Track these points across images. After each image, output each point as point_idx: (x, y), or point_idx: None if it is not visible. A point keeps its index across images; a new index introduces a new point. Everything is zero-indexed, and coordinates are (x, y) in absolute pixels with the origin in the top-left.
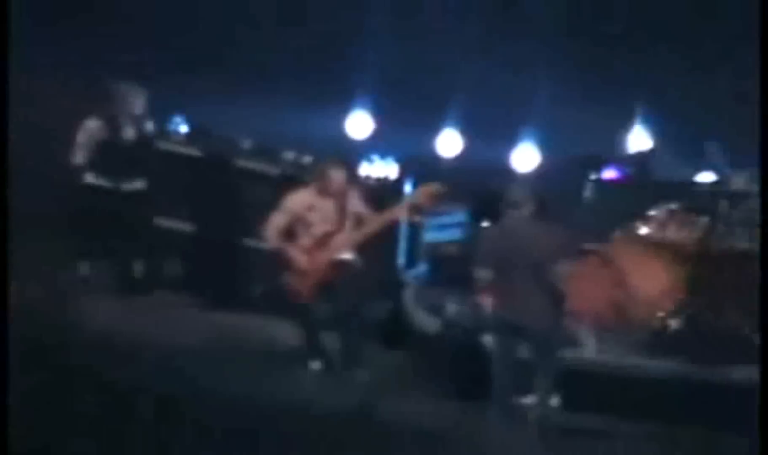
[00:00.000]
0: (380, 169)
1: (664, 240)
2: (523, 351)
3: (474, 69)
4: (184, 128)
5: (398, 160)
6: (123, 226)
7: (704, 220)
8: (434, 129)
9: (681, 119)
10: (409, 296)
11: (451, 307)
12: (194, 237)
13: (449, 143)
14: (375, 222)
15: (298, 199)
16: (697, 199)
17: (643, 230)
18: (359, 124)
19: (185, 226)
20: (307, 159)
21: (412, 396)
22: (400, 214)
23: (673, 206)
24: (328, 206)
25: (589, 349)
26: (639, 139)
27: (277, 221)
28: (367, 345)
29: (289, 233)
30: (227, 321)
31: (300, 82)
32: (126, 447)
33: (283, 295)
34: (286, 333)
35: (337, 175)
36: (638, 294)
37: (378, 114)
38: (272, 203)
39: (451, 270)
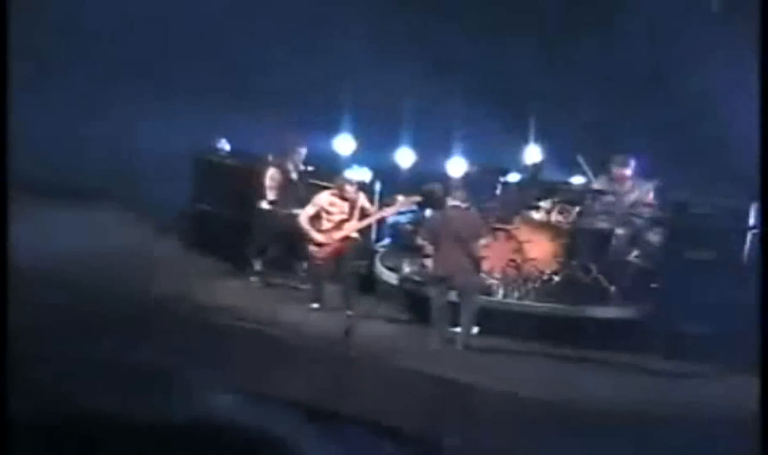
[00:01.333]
0: (358, 175)
1: (549, 222)
2: (453, 297)
3: (421, 106)
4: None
5: (371, 169)
6: (286, 237)
7: (576, 209)
8: (395, 146)
9: (563, 138)
10: (377, 259)
11: (405, 267)
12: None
13: (405, 157)
14: (373, 216)
15: (324, 198)
16: (571, 195)
17: (535, 216)
18: (345, 144)
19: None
20: (311, 169)
21: (378, 325)
22: (390, 212)
23: (556, 199)
24: (343, 203)
25: (497, 295)
26: (533, 153)
27: (308, 211)
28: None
29: (316, 219)
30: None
31: (305, 113)
32: None
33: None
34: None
35: (350, 184)
36: (531, 258)
37: (358, 135)
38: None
39: (405, 242)
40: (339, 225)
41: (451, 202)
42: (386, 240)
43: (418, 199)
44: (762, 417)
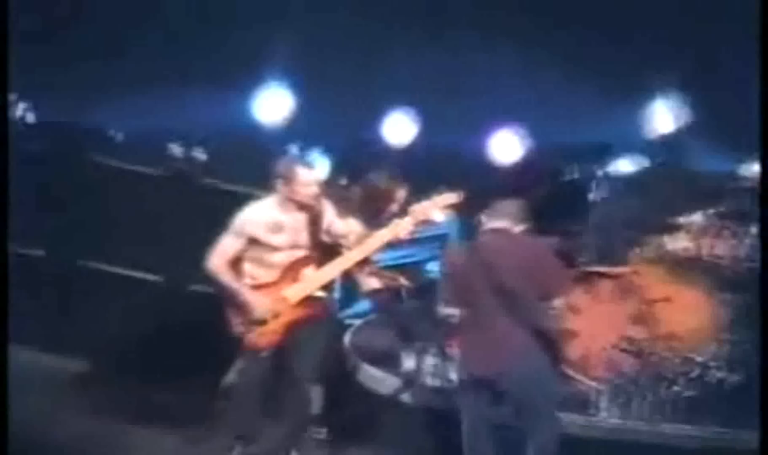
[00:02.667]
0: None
1: (702, 258)
2: (506, 416)
3: (431, 32)
4: None
5: (328, 151)
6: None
7: (751, 229)
8: (376, 110)
9: (718, 94)
10: (348, 343)
11: (406, 360)
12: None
13: (398, 129)
14: (370, 243)
15: (257, 215)
16: (738, 201)
17: (671, 245)
18: (279, 105)
19: None
20: (199, 153)
21: None
22: (404, 231)
23: (710, 211)
24: (297, 223)
25: (599, 411)
26: (660, 122)
27: (227, 248)
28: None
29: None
30: None
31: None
32: None
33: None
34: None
35: (307, 179)
36: (666, 332)
37: (297, 92)
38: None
39: (403, 308)
40: (293, 270)
41: (489, 221)
42: (362, 306)
43: (454, 198)
44: (762, 418)
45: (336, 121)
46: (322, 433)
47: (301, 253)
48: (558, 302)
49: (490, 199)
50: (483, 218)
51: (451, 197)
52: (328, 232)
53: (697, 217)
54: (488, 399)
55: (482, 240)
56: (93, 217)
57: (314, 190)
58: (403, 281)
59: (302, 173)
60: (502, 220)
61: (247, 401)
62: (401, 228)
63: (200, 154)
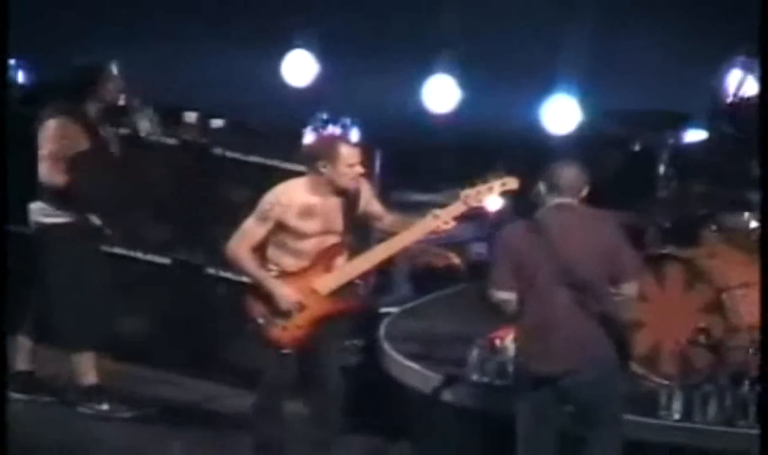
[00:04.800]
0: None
1: None
2: (566, 419)
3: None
4: None
5: (360, 120)
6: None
7: None
8: (415, 70)
9: None
10: (383, 335)
11: (452, 350)
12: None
13: (442, 92)
14: (411, 231)
15: (287, 198)
16: None
17: (752, 223)
18: (299, 67)
19: None
20: (218, 122)
21: None
22: (451, 221)
23: None
24: (330, 207)
25: (670, 412)
26: (739, 90)
27: (248, 232)
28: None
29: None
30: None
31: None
32: None
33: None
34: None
35: (352, 158)
36: (746, 323)
37: (325, 54)
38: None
39: (450, 291)
40: (326, 257)
41: (551, 195)
42: (402, 290)
43: (514, 184)
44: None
45: (367, 87)
46: (354, 437)
47: (332, 240)
48: (628, 288)
49: (549, 173)
50: (542, 189)
51: (511, 182)
52: (364, 213)
53: None
54: (549, 400)
55: (545, 216)
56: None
57: (359, 170)
58: (455, 259)
59: (346, 152)
60: (567, 195)
61: (269, 405)
62: (448, 216)
63: (217, 122)
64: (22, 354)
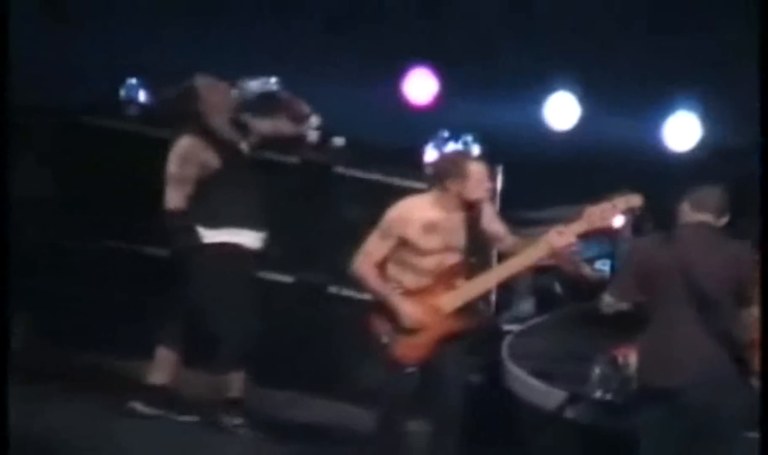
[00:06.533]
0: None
1: None
2: (689, 437)
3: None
4: None
5: (481, 137)
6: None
7: None
8: (532, 88)
9: None
10: (506, 353)
11: (574, 367)
12: None
13: (561, 110)
14: (535, 250)
15: (410, 214)
16: None
17: None
18: (419, 86)
19: None
20: (339, 141)
21: None
22: (569, 239)
23: None
24: (453, 223)
25: None
26: None
27: (375, 250)
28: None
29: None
30: None
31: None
32: None
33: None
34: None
35: (479, 175)
36: None
37: (445, 72)
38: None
39: (571, 309)
40: (449, 277)
41: (691, 213)
42: (524, 306)
43: (638, 200)
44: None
45: (487, 103)
46: None
47: (454, 257)
48: (755, 310)
49: (670, 194)
50: (685, 207)
51: (634, 199)
52: (485, 232)
53: None
54: (671, 416)
55: (683, 233)
56: None
57: (486, 187)
58: (592, 272)
59: (475, 169)
60: (706, 213)
61: (392, 423)
62: (572, 234)
63: (338, 141)
64: (163, 367)
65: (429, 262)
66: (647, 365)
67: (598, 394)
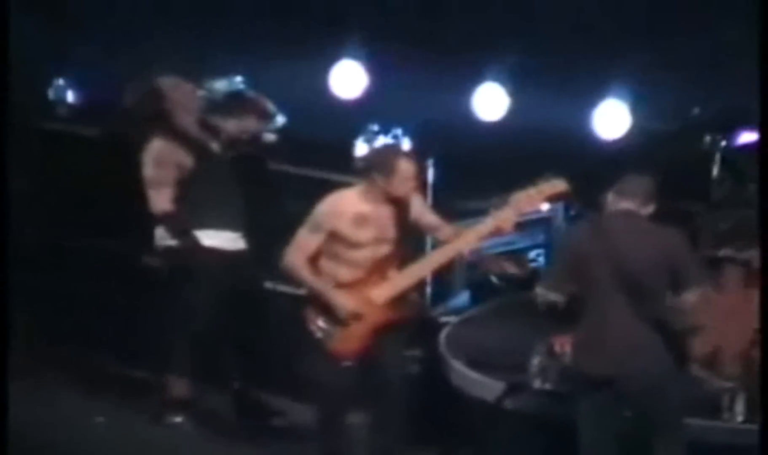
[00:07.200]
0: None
1: None
2: (627, 424)
3: None
4: None
5: (411, 130)
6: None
7: None
8: (463, 81)
9: None
10: (444, 344)
11: (512, 358)
12: None
13: (490, 100)
14: (466, 237)
15: (340, 207)
16: None
17: None
18: (347, 78)
19: None
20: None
21: None
22: (506, 224)
23: None
24: (383, 216)
25: (733, 414)
26: None
27: (306, 243)
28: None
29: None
30: None
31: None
32: None
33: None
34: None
35: (409, 173)
36: None
37: (373, 64)
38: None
39: (507, 300)
40: (380, 269)
41: (617, 201)
42: (460, 299)
43: (562, 186)
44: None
45: (416, 95)
46: (417, 446)
47: (386, 249)
48: (690, 296)
49: (600, 181)
50: (610, 197)
51: (560, 185)
52: (416, 224)
53: None
54: (607, 403)
55: (610, 221)
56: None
57: (414, 183)
58: (513, 268)
59: (404, 166)
60: (631, 200)
61: (331, 416)
62: (502, 220)
63: (270, 134)
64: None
65: (361, 255)
66: (582, 354)
67: (537, 384)
